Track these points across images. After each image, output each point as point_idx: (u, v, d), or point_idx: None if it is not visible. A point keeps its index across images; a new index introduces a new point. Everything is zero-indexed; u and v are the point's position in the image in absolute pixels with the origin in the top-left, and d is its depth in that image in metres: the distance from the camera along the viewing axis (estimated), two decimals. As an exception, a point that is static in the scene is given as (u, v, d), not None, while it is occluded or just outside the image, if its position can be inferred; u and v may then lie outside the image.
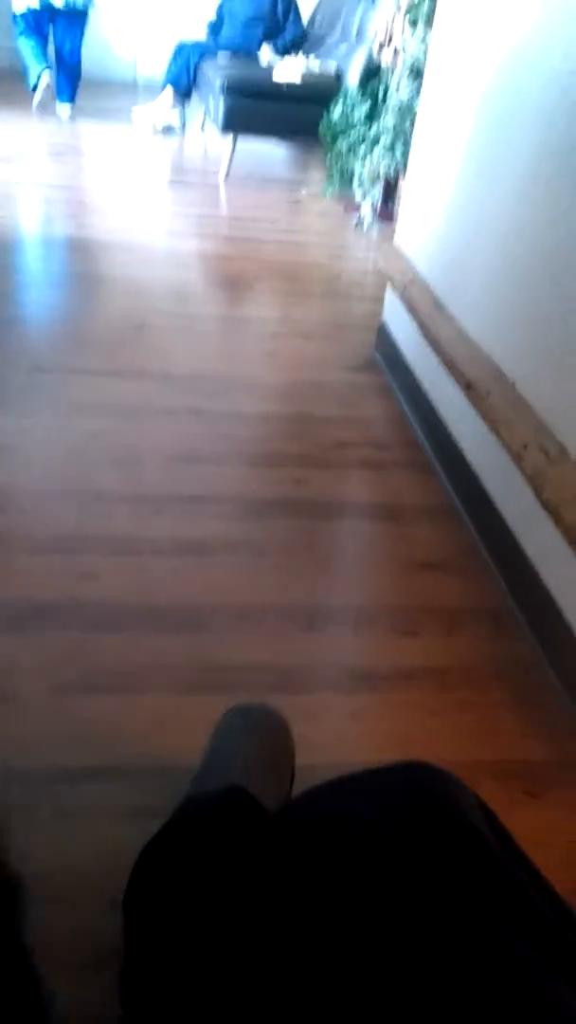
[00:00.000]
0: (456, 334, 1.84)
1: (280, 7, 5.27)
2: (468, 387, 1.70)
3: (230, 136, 4.38)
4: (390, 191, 4.01)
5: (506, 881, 0.60)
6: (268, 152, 5.24)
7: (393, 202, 3.99)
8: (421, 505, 1.84)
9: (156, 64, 6.18)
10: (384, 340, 2.44)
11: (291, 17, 5.31)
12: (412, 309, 2.11)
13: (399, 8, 3.62)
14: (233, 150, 4.39)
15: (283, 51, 5.10)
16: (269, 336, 2.59)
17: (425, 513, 1.81)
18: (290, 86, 4.38)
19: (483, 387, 1.65)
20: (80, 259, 3.07)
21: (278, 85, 4.39)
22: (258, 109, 4.36)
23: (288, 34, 5.27)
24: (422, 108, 2.28)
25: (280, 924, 0.61)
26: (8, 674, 1.26)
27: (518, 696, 1.37)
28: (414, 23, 3.47)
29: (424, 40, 3.40)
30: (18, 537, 1.57)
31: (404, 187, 2.37)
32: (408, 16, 3.48)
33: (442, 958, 0.54)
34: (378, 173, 3.84)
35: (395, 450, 2.03)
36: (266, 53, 5.06)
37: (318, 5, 5.53)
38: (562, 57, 1.44)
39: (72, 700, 1.23)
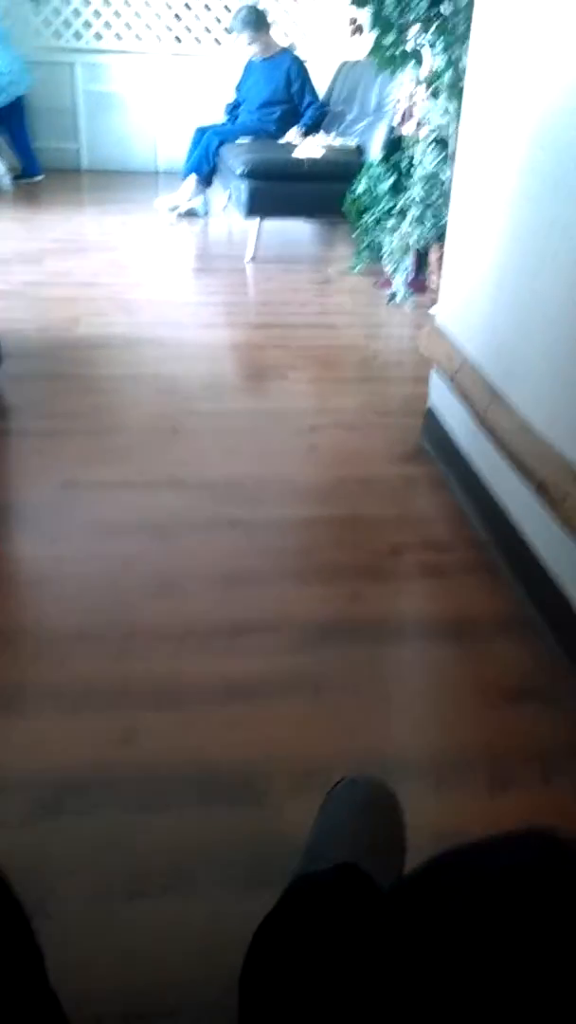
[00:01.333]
0: (518, 426, 1.67)
1: (295, 87, 5.28)
2: (540, 488, 1.52)
3: (254, 219, 4.34)
4: (420, 262, 3.90)
5: None
6: (293, 231, 5.19)
7: (424, 273, 3.88)
8: (494, 618, 1.64)
9: (176, 151, 6.24)
10: (433, 427, 2.28)
11: (307, 96, 5.31)
12: (464, 397, 1.94)
13: (419, 80, 3.55)
14: (258, 232, 4.34)
15: (309, 131, 5.09)
16: (308, 429, 2.44)
17: (500, 628, 1.61)
18: (312, 164, 4.34)
19: (558, 489, 1.47)
20: (108, 358, 2.97)
21: (299, 165, 4.35)
22: (281, 191, 4.32)
23: (310, 113, 5.27)
24: (457, 182, 2.16)
25: (403, 1004, 0.58)
26: (41, 875, 1.08)
27: None
28: (435, 94, 3.39)
29: (447, 110, 3.32)
30: (48, 692, 1.40)
31: (443, 265, 2.23)
32: (429, 87, 3.40)
33: None
34: (408, 245, 3.74)
35: (457, 553, 1.85)
36: (292, 135, 5.05)
37: (334, 82, 5.55)
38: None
39: (115, 909, 1.05)
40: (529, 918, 0.56)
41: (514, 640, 1.58)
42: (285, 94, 5.30)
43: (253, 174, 4.27)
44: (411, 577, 1.78)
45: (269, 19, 5.28)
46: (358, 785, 1.08)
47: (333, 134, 4.83)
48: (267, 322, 3.50)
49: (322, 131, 4.99)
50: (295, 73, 5.27)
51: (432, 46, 3.28)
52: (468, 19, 2.12)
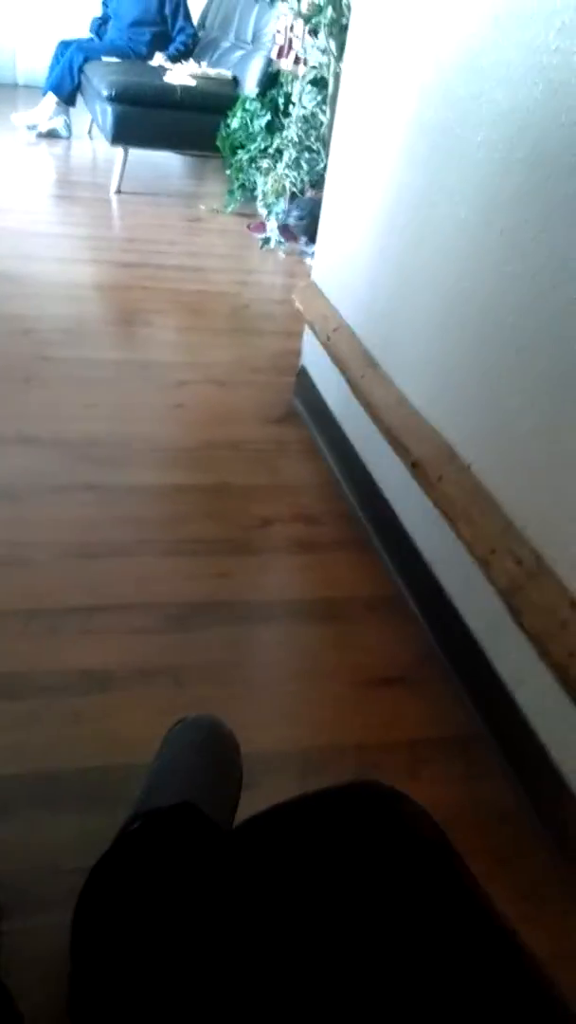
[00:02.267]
0: (394, 399, 1.60)
1: (168, 8, 4.97)
2: (414, 466, 1.47)
3: (120, 147, 4.07)
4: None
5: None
6: (162, 162, 4.93)
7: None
8: (365, 597, 1.59)
9: (38, 63, 5.79)
10: (305, 387, 2.20)
11: (180, 20, 5.01)
12: (339, 361, 1.86)
13: (298, 14, 3.38)
14: (124, 161, 4.08)
15: (177, 58, 4.80)
16: (176, 385, 2.30)
17: (371, 608, 1.57)
18: (184, 92, 4.09)
19: (432, 469, 1.41)
20: (-44, 293, 2.72)
21: (171, 92, 4.10)
22: (150, 118, 4.06)
23: (181, 39, 4.98)
24: (337, 129, 2.04)
25: (233, 939, 0.60)
26: None
27: (498, 856, 1.15)
28: (315, 31, 3.23)
29: (327, 50, 3.18)
30: None
31: (321, 217, 2.12)
32: (309, 23, 3.24)
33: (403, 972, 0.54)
34: (283, 188, 3.60)
35: (328, 526, 1.79)
36: (159, 59, 4.76)
37: (208, 5, 5.25)
38: (517, 85, 1.21)
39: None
40: (354, 860, 0.61)
41: (385, 622, 1.53)
42: (158, 15, 4.99)
43: (120, 98, 3.99)
44: (281, 552, 1.70)
45: None
46: (194, 725, 1.09)
47: (205, 63, 4.58)
48: (133, 260, 3.29)
49: (192, 59, 4.72)
50: (170, -7, 4.96)
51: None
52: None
